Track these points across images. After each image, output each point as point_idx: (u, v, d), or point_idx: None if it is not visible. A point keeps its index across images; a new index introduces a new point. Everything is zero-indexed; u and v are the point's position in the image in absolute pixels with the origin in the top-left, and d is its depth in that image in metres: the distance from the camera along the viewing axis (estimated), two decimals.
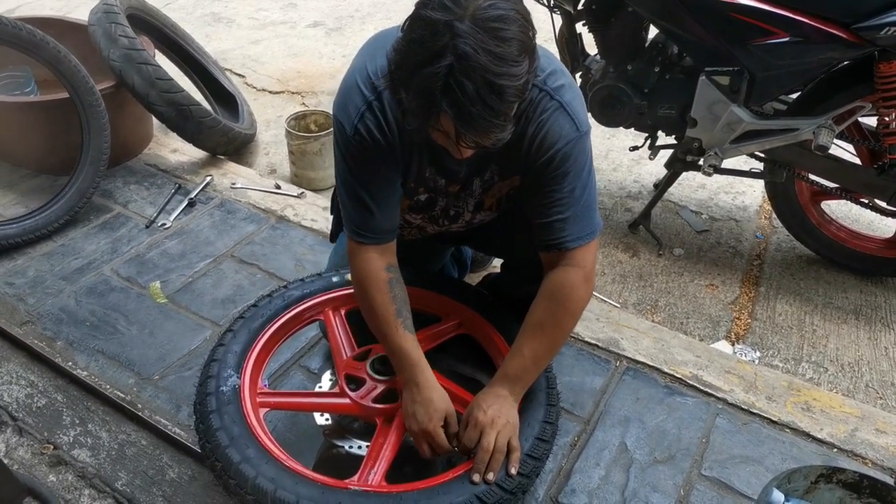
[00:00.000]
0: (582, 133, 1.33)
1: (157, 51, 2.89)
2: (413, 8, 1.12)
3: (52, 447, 1.67)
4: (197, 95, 2.97)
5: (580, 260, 1.39)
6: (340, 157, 1.37)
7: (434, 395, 1.39)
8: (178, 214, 2.48)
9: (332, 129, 2.74)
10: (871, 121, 2.19)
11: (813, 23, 1.92)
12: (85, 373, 1.84)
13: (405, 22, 1.12)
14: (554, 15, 2.45)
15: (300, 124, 2.87)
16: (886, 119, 2.04)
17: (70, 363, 1.86)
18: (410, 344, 1.42)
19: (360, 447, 1.48)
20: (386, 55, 1.18)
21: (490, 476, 1.32)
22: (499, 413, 1.37)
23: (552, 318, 1.40)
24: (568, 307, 1.40)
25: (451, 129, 1.12)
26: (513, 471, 1.34)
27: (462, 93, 1.05)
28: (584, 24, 2.38)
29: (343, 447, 1.50)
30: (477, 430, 1.36)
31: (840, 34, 1.91)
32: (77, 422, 1.73)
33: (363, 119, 1.29)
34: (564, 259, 1.39)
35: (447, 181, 1.46)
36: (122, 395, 1.77)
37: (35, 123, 2.55)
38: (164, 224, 2.43)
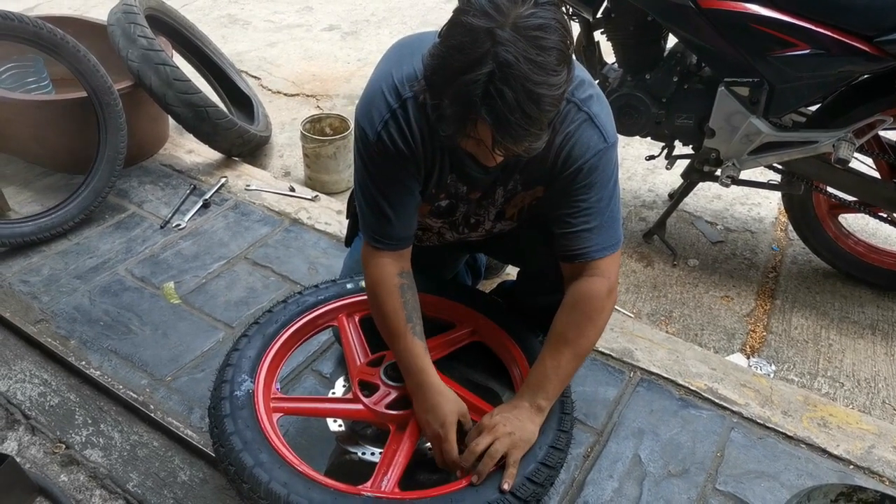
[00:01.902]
0: (609, 144, 1.33)
1: (174, 52, 2.90)
2: (451, 13, 1.11)
3: (64, 446, 1.67)
4: (213, 97, 2.98)
5: (605, 270, 1.38)
6: (361, 164, 1.37)
7: (442, 398, 1.39)
8: (193, 215, 2.49)
9: (346, 132, 2.77)
10: (892, 134, 2.17)
11: (835, 35, 1.91)
12: (98, 372, 1.84)
13: (443, 28, 1.11)
14: (572, 22, 2.45)
15: (315, 127, 2.87)
16: None
17: (83, 362, 1.86)
18: (419, 350, 1.42)
19: (372, 454, 1.48)
20: (422, 60, 1.17)
21: (474, 479, 1.32)
22: (505, 421, 1.36)
23: (576, 328, 1.39)
24: (591, 317, 1.39)
25: (487, 136, 1.11)
26: (505, 486, 1.31)
27: (501, 101, 1.04)
28: (602, 33, 2.38)
29: (356, 453, 1.49)
30: (477, 431, 1.37)
31: (862, 47, 1.89)
32: (89, 422, 1.73)
33: (386, 126, 1.29)
34: (589, 270, 1.38)
35: (468, 188, 1.45)
36: (135, 396, 1.77)
37: (52, 122, 2.56)
38: (179, 225, 2.44)
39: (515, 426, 1.36)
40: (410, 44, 1.33)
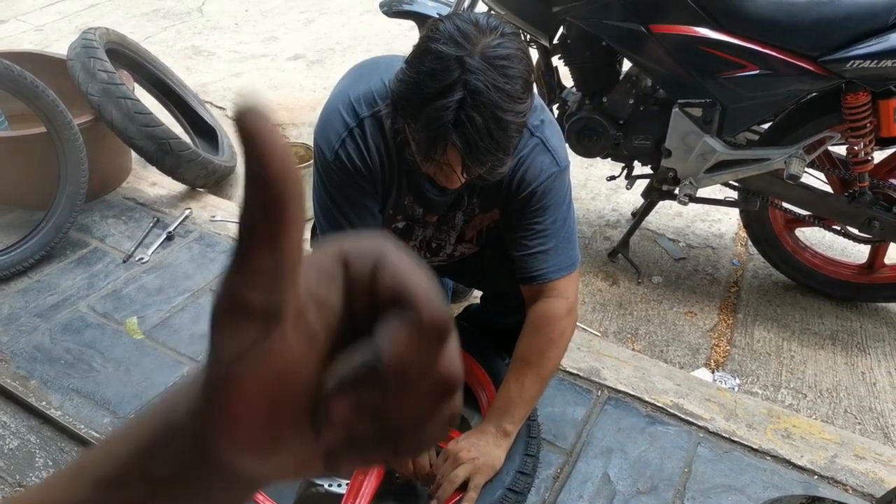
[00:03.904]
0: (561, 168, 1.36)
1: (136, 84, 2.89)
2: (418, 40, 1.14)
3: (23, 491, 1.62)
4: (177, 129, 2.97)
5: (563, 291, 1.40)
6: (320, 183, 1.38)
7: None
8: (157, 248, 2.46)
9: (311, 161, 2.77)
10: (841, 149, 2.24)
11: (781, 56, 1.98)
12: (59, 413, 1.80)
13: (411, 54, 1.14)
14: (531, 48, 2.50)
15: None
16: (855, 148, 2.09)
17: (44, 403, 1.82)
18: None
19: (339, 485, 1.46)
20: (383, 83, 1.19)
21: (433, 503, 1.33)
22: (470, 447, 1.37)
23: (537, 351, 1.41)
24: (552, 338, 1.41)
25: (455, 161, 1.14)
26: None
27: (472, 126, 1.07)
28: (559, 58, 2.43)
29: (322, 486, 1.48)
30: (442, 458, 1.38)
31: (808, 67, 1.96)
32: (50, 464, 1.69)
33: (344, 145, 1.30)
34: (546, 291, 1.41)
35: (424, 210, 1.47)
36: (97, 436, 1.73)
37: (10, 158, 2.53)
38: (142, 258, 2.41)
39: (480, 451, 1.37)
40: (367, 65, 1.36)
